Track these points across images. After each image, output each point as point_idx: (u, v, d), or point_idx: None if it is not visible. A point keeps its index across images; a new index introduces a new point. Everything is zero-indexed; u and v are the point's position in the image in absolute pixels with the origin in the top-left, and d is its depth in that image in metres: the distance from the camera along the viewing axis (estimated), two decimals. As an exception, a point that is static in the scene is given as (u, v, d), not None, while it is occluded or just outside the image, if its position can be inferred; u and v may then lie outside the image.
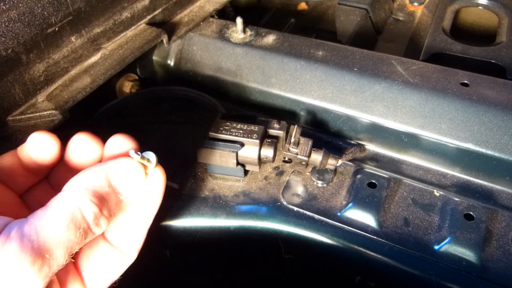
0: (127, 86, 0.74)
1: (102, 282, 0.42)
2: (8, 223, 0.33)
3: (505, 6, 0.84)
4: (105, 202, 0.37)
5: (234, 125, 0.57)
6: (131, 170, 0.40)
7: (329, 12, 1.06)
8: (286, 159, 0.61)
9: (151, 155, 0.42)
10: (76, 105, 0.61)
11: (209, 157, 0.56)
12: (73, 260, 0.40)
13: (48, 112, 0.55)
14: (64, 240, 0.34)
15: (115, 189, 0.39)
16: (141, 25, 0.71)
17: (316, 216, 0.54)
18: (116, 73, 0.65)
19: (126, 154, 0.41)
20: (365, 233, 0.51)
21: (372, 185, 0.55)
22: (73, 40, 0.60)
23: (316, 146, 0.57)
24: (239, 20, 0.71)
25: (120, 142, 0.43)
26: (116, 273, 0.43)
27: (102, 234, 0.43)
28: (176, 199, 0.57)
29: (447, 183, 0.58)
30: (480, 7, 0.87)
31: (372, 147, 0.63)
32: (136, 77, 0.76)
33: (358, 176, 0.56)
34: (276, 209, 0.55)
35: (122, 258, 0.43)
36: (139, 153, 0.40)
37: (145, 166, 0.41)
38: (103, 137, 0.66)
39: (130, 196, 0.41)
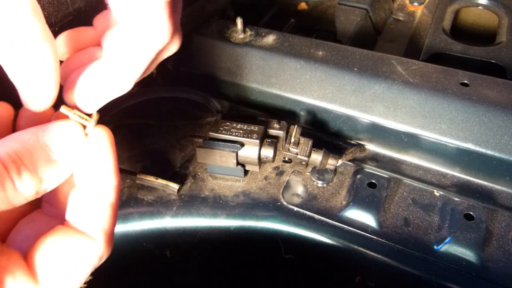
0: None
1: (61, 273, 0.34)
2: None
3: (505, 6, 0.84)
4: (28, 155, 0.33)
5: (234, 125, 0.57)
6: (64, 128, 0.36)
7: (329, 12, 1.06)
8: (286, 159, 0.61)
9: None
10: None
11: (209, 157, 0.56)
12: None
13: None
14: None
15: (44, 145, 0.34)
16: (141, 25, 0.71)
17: (316, 216, 0.54)
18: (116, 73, 0.64)
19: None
20: (365, 233, 0.51)
21: (372, 185, 0.55)
22: (73, 40, 0.60)
23: (316, 146, 0.57)
24: (239, 20, 0.71)
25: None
26: (81, 265, 0.35)
27: (64, 223, 0.37)
28: (176, 199, 0.57)
29: (447, 183, 0.58)
30: (480, 7, 0.87)
31: (372, 147, 0.63)
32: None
33: (358, 176, 0.56)
34: (276, 209, 0.55)
35: (87, 244, 0.35)
36: (75, 111, 0.36)
37: (84, 126, 0.37)
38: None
39: (64, 155, 0.35)
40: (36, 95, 0.35)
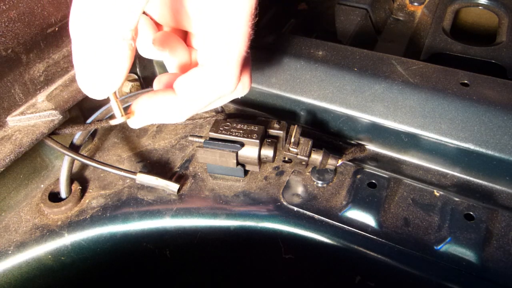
0: (127, 86, 0.74)
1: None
2: None
3: (505, 6, 0.84)
4: None
5: (234, 125, 0.57)
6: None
7: (329, 12, 1.06)
8: (286, 159, 0.61)
9: None
10: (76, 105, 0.61)
11: (209, 157, 0.56)
12: None
13: (48, 112, 0.55)
14: None
15: None
16: (141, 25, 0.71)
17: (316, 216, 0.54)
18: (116, 73, 0.64)
19: None
20: (365, 233, 0.51)
21: (372, 185, 0.55)
22: (73, 40, 0.60)
23: (316, 146, 0.57)
24: (239, 20, 0.71)
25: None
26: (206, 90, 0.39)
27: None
28: (176, 199, 0.57)
29: (447, 183, 0.58)
30: (480, 7, 0.87)
31: (372, 147, 0.63)
32: (136, 77, 0.76)
33: (358, 176, 0.56)
34: (276, 209, 0.55)
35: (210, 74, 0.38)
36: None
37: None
38: (103, 137, 0.67)
39: None
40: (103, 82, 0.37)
